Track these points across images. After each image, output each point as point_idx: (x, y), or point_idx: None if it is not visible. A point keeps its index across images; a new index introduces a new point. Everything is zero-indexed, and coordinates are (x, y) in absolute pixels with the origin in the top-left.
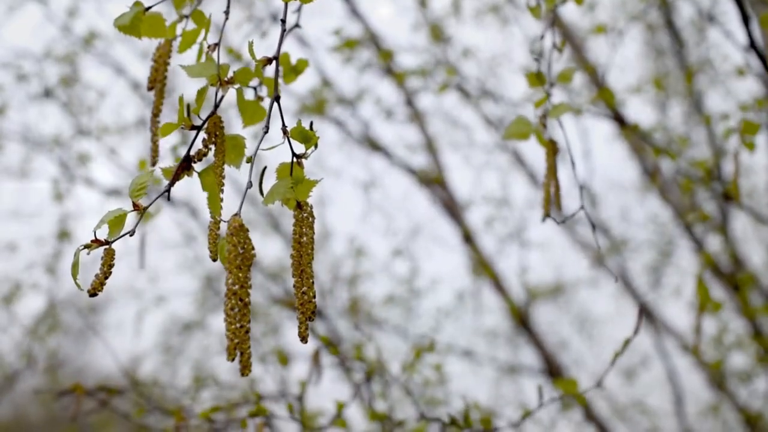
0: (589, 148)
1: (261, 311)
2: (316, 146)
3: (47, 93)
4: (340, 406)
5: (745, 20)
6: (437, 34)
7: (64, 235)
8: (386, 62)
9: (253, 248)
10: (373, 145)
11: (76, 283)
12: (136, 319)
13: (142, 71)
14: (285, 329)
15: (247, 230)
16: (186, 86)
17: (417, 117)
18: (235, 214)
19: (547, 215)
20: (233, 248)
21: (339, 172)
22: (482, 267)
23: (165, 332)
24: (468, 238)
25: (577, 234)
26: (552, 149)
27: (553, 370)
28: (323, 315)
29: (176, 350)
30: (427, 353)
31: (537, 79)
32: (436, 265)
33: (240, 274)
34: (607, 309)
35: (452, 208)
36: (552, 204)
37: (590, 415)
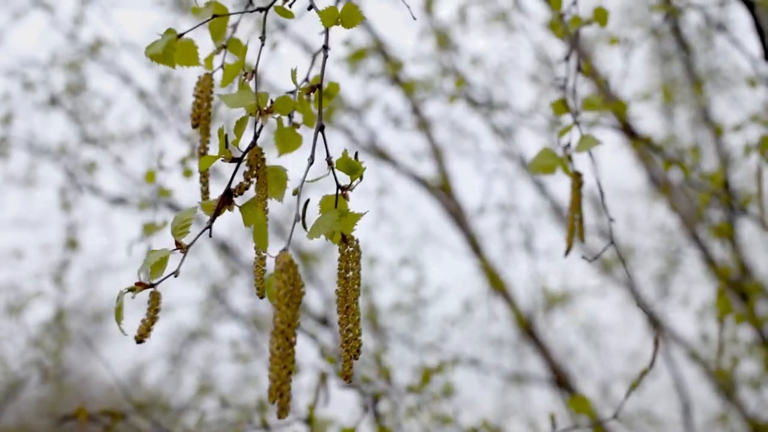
0: (596, 156)
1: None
2: (361, 178)
3: (53, 101)
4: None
5: (760, 31)
6: (444, 41)
7: (72, 244)
8: (394, 72)
9: (302, 285)
10: (380, 154)
11: (120, 328)
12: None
13: (148, 80)
14: None
15: (296, 266)
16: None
17: (424, 125)
18: (284, 249)
19: (569, 249)
20: (282, 285)
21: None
22: (489, 275)
23: (170, 341)
24: (475, 246)
25: (585, 243)
26: (577, 182)
27: (559, 379)
28: (328, 324)
29: (181, 359)
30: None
31: (563, 106)
32: (442, 273)
33: (288, 312)
34: (613, 317)
35: (459, 216)
36: (575, 237)
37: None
